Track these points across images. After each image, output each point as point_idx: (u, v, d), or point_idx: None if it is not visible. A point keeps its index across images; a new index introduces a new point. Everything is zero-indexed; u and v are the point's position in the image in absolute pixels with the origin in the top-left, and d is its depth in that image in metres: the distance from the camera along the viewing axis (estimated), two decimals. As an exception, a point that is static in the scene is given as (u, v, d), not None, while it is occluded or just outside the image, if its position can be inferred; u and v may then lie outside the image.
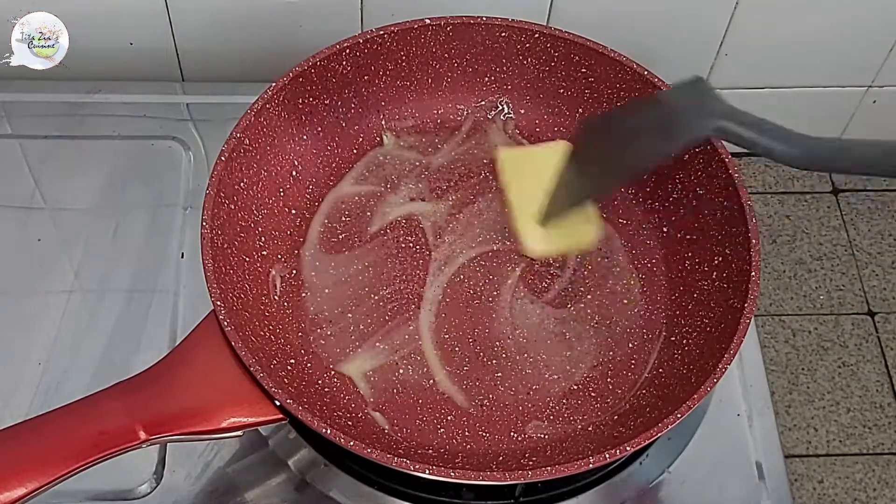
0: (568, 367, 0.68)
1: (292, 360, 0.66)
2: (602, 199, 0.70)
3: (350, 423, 0.64)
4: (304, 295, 0.70)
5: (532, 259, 0.72)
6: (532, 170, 0.69)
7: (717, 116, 0.45)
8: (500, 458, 0.63)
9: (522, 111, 0.79)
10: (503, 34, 0.75)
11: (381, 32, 0.74)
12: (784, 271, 1.14)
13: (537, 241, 0.70)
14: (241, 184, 0.69)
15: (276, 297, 0.69)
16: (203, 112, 0.85)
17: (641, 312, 0.71)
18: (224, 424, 0.59)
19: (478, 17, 0.75)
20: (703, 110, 0.46)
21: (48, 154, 0.82)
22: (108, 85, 0.85)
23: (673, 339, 0.69)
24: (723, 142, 0.70)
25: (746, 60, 1.00)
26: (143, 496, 0.66)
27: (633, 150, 0.53)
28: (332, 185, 0.75)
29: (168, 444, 0.66)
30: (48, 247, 0.77)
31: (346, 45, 0.73)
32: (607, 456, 0.58)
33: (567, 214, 0.65)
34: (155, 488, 0.66)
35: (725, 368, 0.61)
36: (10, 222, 0.78)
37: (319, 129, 0.75)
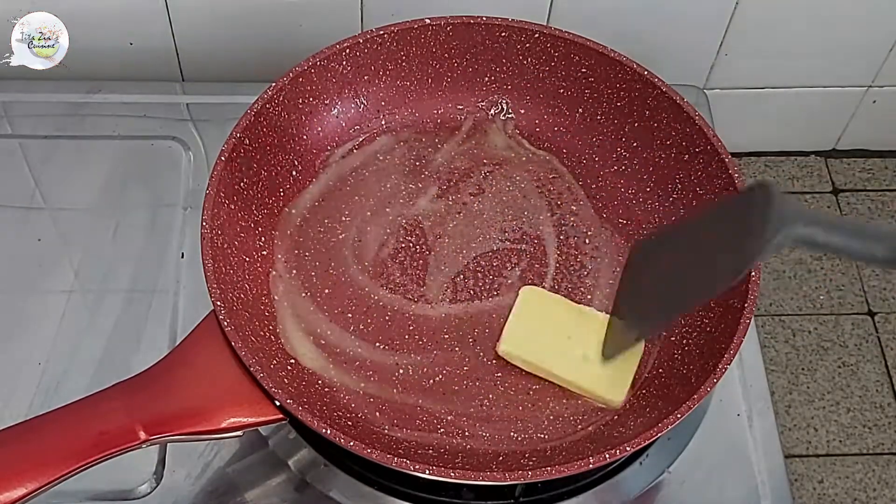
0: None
1: (292, 360, 0.66)
2: (660, 333, 0.64)
3: (350, 423, 0.64)
4: (303, 295, 0.70)
5: (532, 259, 0.72)
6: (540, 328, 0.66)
7: (798, 223, 0.38)
8: (500, 458, 0.63)
9: (522, 111, 0.79)
10: (503, 34, 0.75)
11: (381, 32, 0.74)
12: (784, 271, 1.14)
13: (612, 390, 0.65)
14: (241, 184, 0.69)
15: (276, 297, 0.69)
16: (203, 112, 0.85)
17: (641, 312, 0.71)
18: (224, 424, 0.59)
19: (478, 17, 0.75)
20: (781, 218, 0.39)
21: (48, 154, 0.82)
22: (108, 85, 0.85)
23: (673, 339, 0.69)
24: (722, 141, 0.70)
25: (746, 60, 1.00)
26: (143, 496, 0.66)
27: (702, 272, 0.46)
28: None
29: (168, 444, 0.66)
30: (48, 247, 0.77)
31: (346, 45, 0.73)
32: (607, 456, 0.58)
33: (624, 351, 0.59)
34: (155, 488, 0.66)
35: (725, 368, 0.61)
36: (10, 222, 0.78)
37: (319, 129, 0.75)
